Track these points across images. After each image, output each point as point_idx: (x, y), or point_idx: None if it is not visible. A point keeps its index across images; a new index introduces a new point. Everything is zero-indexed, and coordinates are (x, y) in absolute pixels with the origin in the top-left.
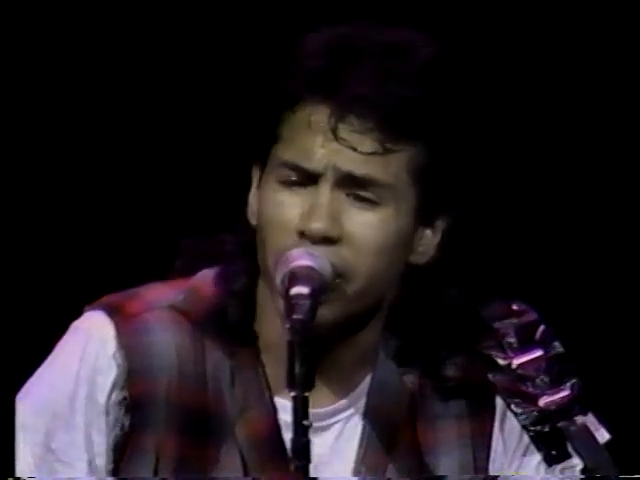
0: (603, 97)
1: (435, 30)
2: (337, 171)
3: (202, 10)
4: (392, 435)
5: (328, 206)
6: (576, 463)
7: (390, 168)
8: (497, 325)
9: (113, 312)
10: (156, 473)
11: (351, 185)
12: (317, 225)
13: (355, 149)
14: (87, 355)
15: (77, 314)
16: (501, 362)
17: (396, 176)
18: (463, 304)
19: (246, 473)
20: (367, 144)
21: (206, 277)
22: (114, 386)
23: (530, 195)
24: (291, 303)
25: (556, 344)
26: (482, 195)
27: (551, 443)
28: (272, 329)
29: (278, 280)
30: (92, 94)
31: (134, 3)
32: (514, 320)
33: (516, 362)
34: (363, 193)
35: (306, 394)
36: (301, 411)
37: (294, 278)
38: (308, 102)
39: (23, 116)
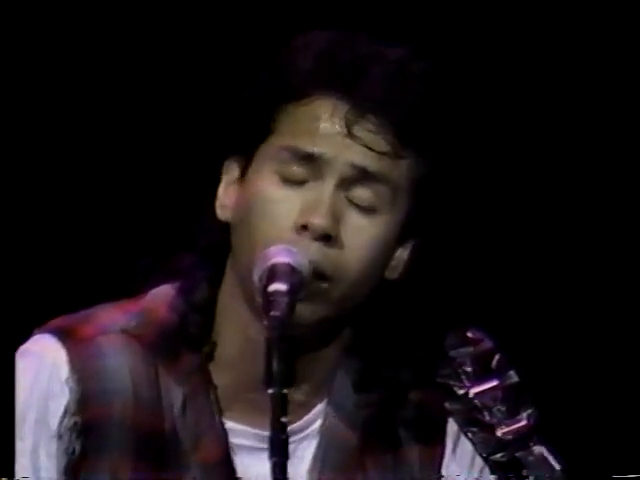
0: (600, 113)
1: (433, 38)
2: (349, 165)
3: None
4: (344, 459)
5: (332, 204)
6: None
7: (396, 171)
8: (453, 354)
9: (64, 336)
10: None
11: (356, 184)
12: (320, 221)
13: (368, 147)
14: (39, 380)
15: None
16: (458, 391)
17: (400, 180)
18: (425, 323)
19: None
20: (380, 144)
21: (159, 297)
22: (66, 411)
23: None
24: (269, 300)
25: (511, 373)
26: (457, 217)
27: (509, 472)
28: (229, 338)
29: (256, 277)
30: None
31: None
32: (470, 349)
33: (473, 391)
34: (365, 196)
35: (284, 391)
36: (279, 408)
37: (272, 275)
38: (313, 95)
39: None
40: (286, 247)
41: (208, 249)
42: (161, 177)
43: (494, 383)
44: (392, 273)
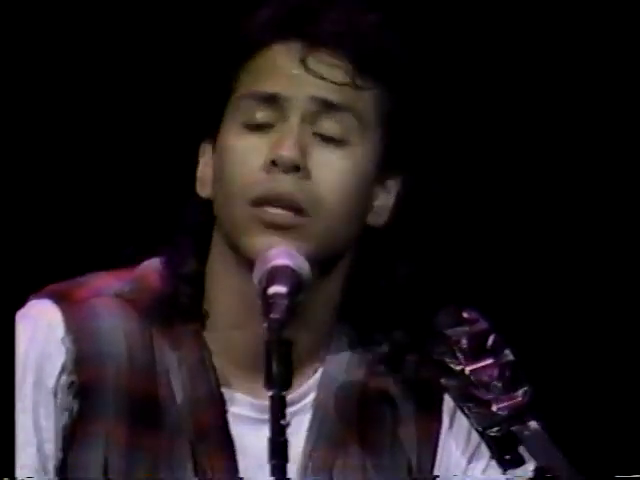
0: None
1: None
2: (309, 99)
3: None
4: (339, 432)
5: (298, 137)
6: (530, 469)
7: (360, 101)
8: (449, 332)
9: (59, 299)
10: (106, 461)
11: (320, 116)
12: (288, 152)
13: (326, 79)
14: (35, 341)
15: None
16: (455, 368)
17: (365, 109)
18: (416, 279)
19: (196, 463)
20: (338, 75)
21: (151, 266)
22: (63, 370)
23: (485, 194)
24: (269, 302)
25: (507, 352)
26: (438, 160)
27: (504, 447)
28: (222, 305)
29: (256, 279)
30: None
31: None
32: (465, 328)
33: (469, 368)
34: (332, 129)
35: (283, 393)
36: (278, 410)
37: (272, 277)
38: (272, 44)
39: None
40: (286, 249)
41: (192, 226)
42: (145, 164)
43: (490, 361)
44: (376, 219)
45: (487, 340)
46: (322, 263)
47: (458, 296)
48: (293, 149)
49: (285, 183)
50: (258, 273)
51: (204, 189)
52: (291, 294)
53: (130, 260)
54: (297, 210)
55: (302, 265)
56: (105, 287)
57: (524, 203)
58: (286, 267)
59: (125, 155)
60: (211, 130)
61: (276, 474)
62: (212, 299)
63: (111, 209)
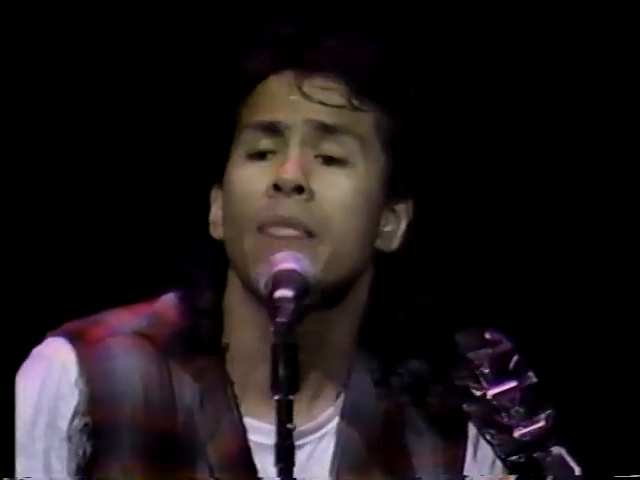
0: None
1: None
2: (307, 123)
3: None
4: (364, 459)
5: (299, 160)
6: None
7: (359, 123)
8: (471, 355)
9: (74, 338)
10: None
11: (321, 139)
12: (289, 174)
13: (323, 102)
14: (48, 382)
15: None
16: (476, 393)
17: (365, 131)
18: (436, 309)
19: None
20: (334, 98)
21: (169, 300)
22: (76, 412)
23: (508, 206)
24: (275, 306)
25: (530, 374)
26: (447, 185)
27: (527, 474)
28: (242, 338)
29: (262, 283)
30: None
31: None
32: (488, 350)
33: (491, 393)
34: (333, 150)
35: (290, 397)
36: (284, 414)
37: (278, 281)
38: (269, 75)
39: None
40: (292, 253)
41: (208, 262)
42: (161, 200)
43: (512, 384)
44: (386, 244)
45: (510, 362)
46: (333, 287)
47: (478, 318)
48: (295, 171)
49: (289, 206)
50: (264, 277)
51: (216, 231)
52: (297, 298)
53: (149, 293)
54: (304, 231)
55: (308, 268)
56: (121, 325)
57: (541, 219)
58: (292, 271)
59: (141, 195)
60: (219, 173)
61: (283, 477)
62: (231, 332)
63: (127, 246)
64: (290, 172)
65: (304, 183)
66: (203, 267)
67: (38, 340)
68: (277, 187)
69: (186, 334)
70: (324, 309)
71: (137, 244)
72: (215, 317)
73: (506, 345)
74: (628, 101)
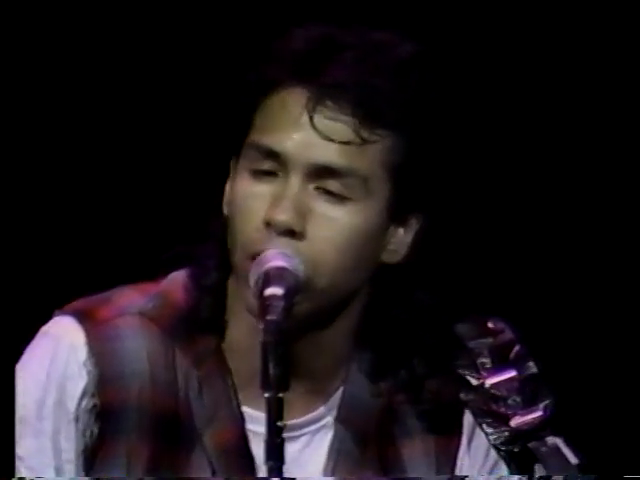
0: (589, 107)
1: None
2: (311, 164)
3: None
4: (360, 450)
5: (295, 199)
6: None
7: (365, 159)
8: (471, 344)
9: (83, 318)
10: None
11: (323, 177)
12: (282, 217)
13: (331, 139)
14: (57, 361)
15: (47, 317)
16: (474, 382)
17: (371, 168)
18: (436, 309)
19: None
20: (343, 133)
21: (176, 280)
22: (84, 393)
23: (509, 204)
24: (265, 304)
25: (530, 364)
26: (458, 197)
27: (521, 464)
28: (241, 326)
29: (252, 281)
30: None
31: None
32: (489, 340)
33: (489, 382)
34: (334, 187)
35: (280, 395)
36: (275, 412)
37: (268, 279)
38: (285, 86)
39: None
40: (282, 251)
41: (216, 241)
42: (178, 174)
43: (511, 374)
44: (393, 256)
45: (511, 351)
46: (331, 308)
47: (480, 310)
48: (288, 212)
49: (281, 245)
50: (254, 275)
51: (225, 207)
52: (287, 295)
53: (166, 263)
54: None
55: (298, 266)
56: (129, 305)
57: (541, 210)
58: (282, 269)
59: (156, 169)
60: (238, 146)
61: (273, 476)
62: (231, 314)
63: (140, 222)
64: (282, 214)
65: (295, 226)
66: (212, 245)
67: (48, 317)
68: (269, 225)
69: (189, 314)
70: (324, 315)
71: (154, 221)
72: (218, 296)
73: (508, 335)
74: (628, 101)
